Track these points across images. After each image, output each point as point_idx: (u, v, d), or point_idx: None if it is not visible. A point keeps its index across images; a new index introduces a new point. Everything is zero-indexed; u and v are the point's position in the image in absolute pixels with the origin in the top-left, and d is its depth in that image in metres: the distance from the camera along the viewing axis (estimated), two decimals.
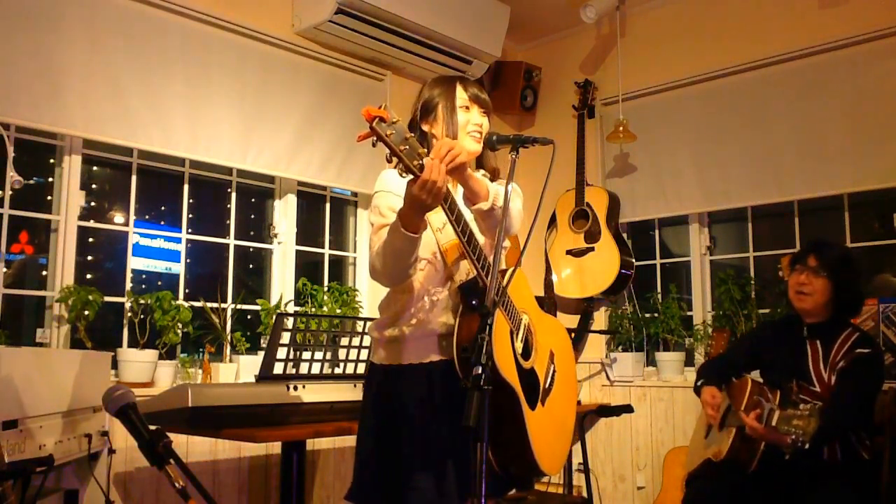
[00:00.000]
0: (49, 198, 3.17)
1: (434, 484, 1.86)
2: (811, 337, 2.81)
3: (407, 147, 1.61)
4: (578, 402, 4.26)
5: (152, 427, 1.62)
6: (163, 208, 3.59)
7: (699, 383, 2.96)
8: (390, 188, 2.00)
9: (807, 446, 2.53)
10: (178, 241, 3.56)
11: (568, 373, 2.21)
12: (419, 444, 1.90)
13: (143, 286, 3.46)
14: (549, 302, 4.33)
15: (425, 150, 1.66)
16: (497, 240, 1.77)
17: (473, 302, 1.85)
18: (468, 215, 1.91)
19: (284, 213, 3.90)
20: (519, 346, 1.94)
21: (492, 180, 2.10)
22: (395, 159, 1.62)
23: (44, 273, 3.15)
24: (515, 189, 1.98)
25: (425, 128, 2.07)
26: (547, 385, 2.07)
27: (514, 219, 2.00)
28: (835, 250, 2.86)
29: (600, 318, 4.47)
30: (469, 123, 2.01)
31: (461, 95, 2.03)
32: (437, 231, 1.95)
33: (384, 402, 1.98)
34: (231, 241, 3.74)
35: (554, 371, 2.11)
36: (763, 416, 2.61)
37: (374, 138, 1.58)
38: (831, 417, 2.56)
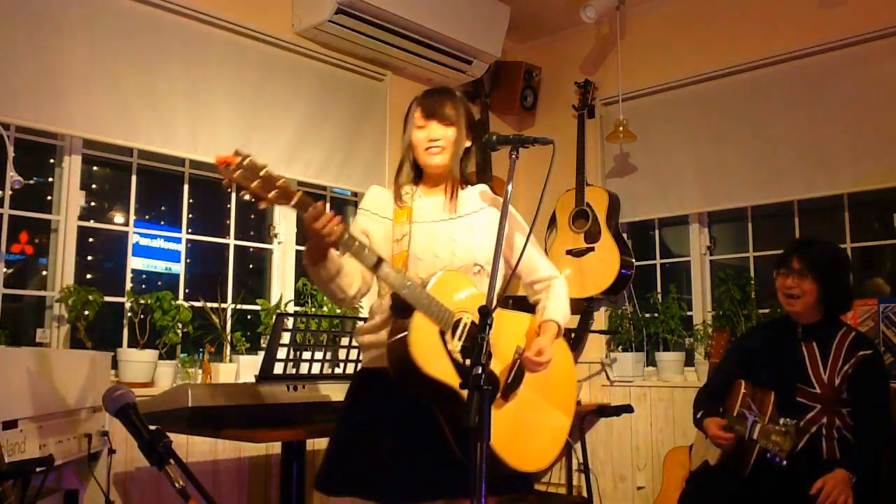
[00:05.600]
0: (49, 198, 3.16)
1: (407, 481, 1.93)
2: (806, 338, 2.81)
3: (260, 181, 1.68)
4: (578, 402, 4.26)
5: (152, 427, 1.62)
6: (163, 208, 3.59)
7: (699, 416, 2.90)
8: (369, 207, 2.13)
9: (784, 463, 2.57)
10: (178, 241, 3.56)
11: (552, 363, 2.19)
12: (395, 442, 1.96)
13: (143, 286, 3.46)
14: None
15: (284, 180, 1.73)
16: (497, 241, 1.79)
17: (397, 310, 1.92)
18: (439, 231, 2.03)
19: (284, 213, 3.90)
20: (457, 344, 1.95)
21: (471, 183, 2.22)
22: (249, 196, 1.69)
23: (44, 273, 3.15)
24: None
25: (406, 147, 2.18)
26: (509, 380, 2.06)
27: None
28: (817, 249, 2.83)
29: (600, 318, 4.47)
30: (424, 140, 2.10)
31: (416, 114, 2.12)
32: (395, 242, 2.05)
33: (362, 402, 2.07)
34: (231, 241, 3.73)
35: (520, 365, 2.11)
36: (746, 428, 2.68)
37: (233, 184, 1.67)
38: (873, 441, 2.63)
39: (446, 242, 2.07)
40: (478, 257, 2.09)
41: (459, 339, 1.96)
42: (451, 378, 1.91)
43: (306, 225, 1.79)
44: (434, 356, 1.90)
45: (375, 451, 1.97)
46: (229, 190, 1.71)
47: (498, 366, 2.04)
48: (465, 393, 1.92)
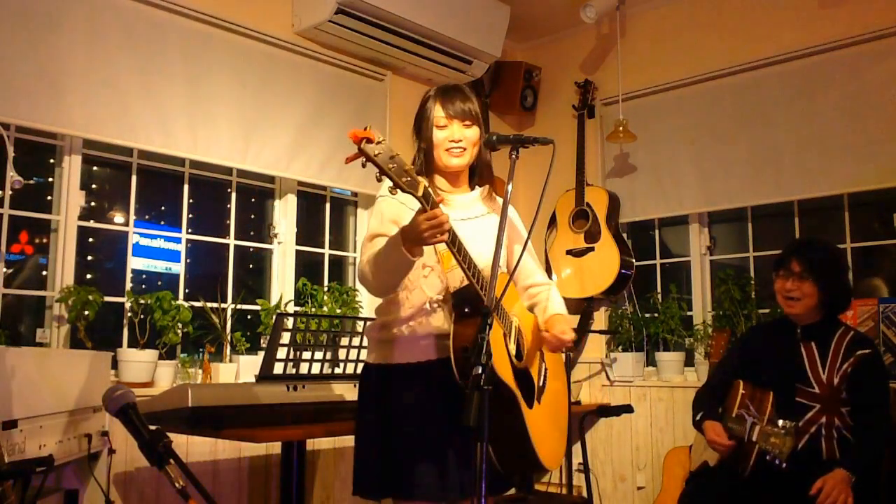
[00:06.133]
0: (49, 198, 3.16)
1: (437, 478, 1.90)
2: (805, 339, 2.80)
3: (395, 166, 1.65)
4: (578, 402, 4.27)
5: (152, 427, 1.62)
6: (163, 208, 3.59)
7: (698, 417, 2.91)
8: (396, 195, 2.02)
9: (784, 465, 2.57)
10: (178, 241, 3.56)
11: (557, 368, 2.24)
12: (423, 439, 1.94)
13: (143, 286, 3.46)
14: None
15: (413, 168, 1.69)
16: (497, 241, 1.79)
17: (466, 309, 1.88)
18: (460, 230, 1.95)
19: (284, 213, 3.90)
20: (512, 347, 1.97)
21: (489, 194, 2.16)
22: (384, 178, 1.65)
23: (44, 273, 3.15)
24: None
25: (419, 143, 2.12)
26: (541, 383, 2.09)
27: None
28: (816, 251, 2.83)
29: (600, 318, 4.47)
30: (446, 140, 2.05)
31: (437, 113, 2.06)
32: None
33: (385, 401, 2.01)
34: (231, 241, 3.73)
35: (545, 369, 2.13)
36: (745, 429, 2.70)
37: (363, 159, 1.62)
38: (872, 441, 2.63)
39: (470, 242, 2.01)
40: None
41: (513, 343, 1.97)
42: (513, 382, 1.91)
43: (425, 217, 1.74)
44: (503, 360, 1.89)
45: (410, 451, 1.93)
46: (364, 164, 1.64)
47: (532, 367, 2.06)
48: (523, 401, 1.94)
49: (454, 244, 1.82)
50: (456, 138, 2.04)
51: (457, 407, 1.85)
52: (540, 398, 2.06)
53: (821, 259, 2.79)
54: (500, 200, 2.23)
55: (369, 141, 1.60)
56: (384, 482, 1.97)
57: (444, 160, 2.07)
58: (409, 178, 1.67)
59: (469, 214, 2.11)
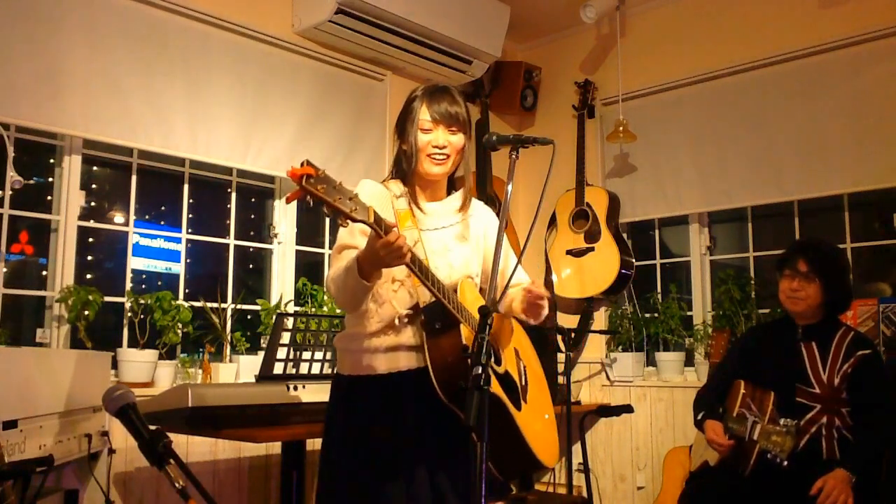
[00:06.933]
0: (49, 198, 3.16)
1: (405, 492, 1.86)
2: (806, 339, 2.81)
3: (341, 196, 1.55)
4: (578, 402, 4.27)
5: (152, 427, 1.62)
6: (163, 208, 3.59)
7: (700, 417, 2.91)
8: (370, 203, 1.98)
9: (784, 464, 2.57)
10: (178, 241, 3.56)
11: (533, 364, 2.22)
12: (394, 451, 1.89)
13: (143, 286, 3.46)
14: (550, 302, 4.32)
15: (356, 194, 1.59)
16: (497, 242, 1.78)
17: (437, 325, 1.85)
18: (434, 240, 1.94)
19: (284, 213, 3.90)
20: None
21: (464, 203, 2.08)
22: (331, 212, 1.55)
23: (44, 273, 3.15)
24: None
25: (401, 145, 2.04)
26: (523, 383, 2.08)
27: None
28: (823, 252, 2.84)
29: (600, 318, 4.47)
30: (428, 146, 1.96)
31: (423, 115, 1.96)
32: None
33: (356, 412, 1.96)
34: (231, 241, 3.73)
35: (524, 367, 2.12)
36: (747, 429, 2.71)
37: (308, 196, 1.52)
38: (872, 440, 2.64)
39: (443, 252, 1.98)
40: (471, 269, 2.04)
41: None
42: (498, 389, 1.89)
43: (381, 245, 1.65)
44: None
45: (381, 464, 1.89)
46: (310, 204, 1.54)
47: (511, 369, 2.05)
48: (511, 405, 1.93)
49: (415, 264, 1.75)
50: (440, 144, 1.95)
51: (430, 417, 1.86)
52: (525, 397, 2.05)
53: (827, 260, 2.80)
54: (477, 205, 2.17)
55: (309, 177, 1.51)
56: (353, 498, 1.90)
57: (424, 166, 1.97)
58: (356, 207, 1.58)
59: (442, 224, 2.04)
